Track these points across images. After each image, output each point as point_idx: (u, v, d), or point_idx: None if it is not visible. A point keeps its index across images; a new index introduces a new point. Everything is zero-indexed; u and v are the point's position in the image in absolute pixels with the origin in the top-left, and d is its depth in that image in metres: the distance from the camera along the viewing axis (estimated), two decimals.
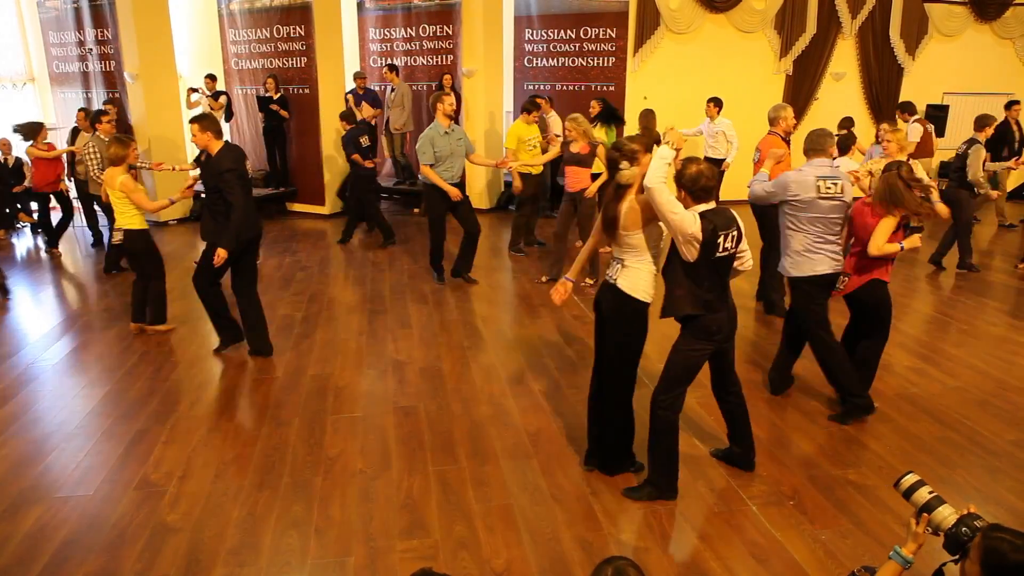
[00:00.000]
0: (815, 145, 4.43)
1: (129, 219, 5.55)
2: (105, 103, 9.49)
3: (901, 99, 11.88)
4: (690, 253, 3.28)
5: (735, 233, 3.37)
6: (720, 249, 3.31)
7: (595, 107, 8.42)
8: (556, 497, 3.60)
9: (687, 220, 3.23)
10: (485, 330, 5.97)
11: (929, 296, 7.03)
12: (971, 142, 7.56)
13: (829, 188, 4.22)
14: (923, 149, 9.74)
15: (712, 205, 3.36)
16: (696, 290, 3.36)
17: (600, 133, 8.26)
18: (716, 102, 9.36)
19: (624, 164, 3.42)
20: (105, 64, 9.99)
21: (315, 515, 3.44)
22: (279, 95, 10.10)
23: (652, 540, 3.28)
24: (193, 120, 5.08)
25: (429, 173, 6.68)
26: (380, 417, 4.44)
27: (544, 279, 7.20)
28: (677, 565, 3.12)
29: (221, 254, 4.92)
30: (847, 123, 9.25)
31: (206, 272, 5.13)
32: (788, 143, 5.99)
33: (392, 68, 10.47)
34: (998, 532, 1.96)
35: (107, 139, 7.19)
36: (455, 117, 7.06)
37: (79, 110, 8.56)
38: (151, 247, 5.72)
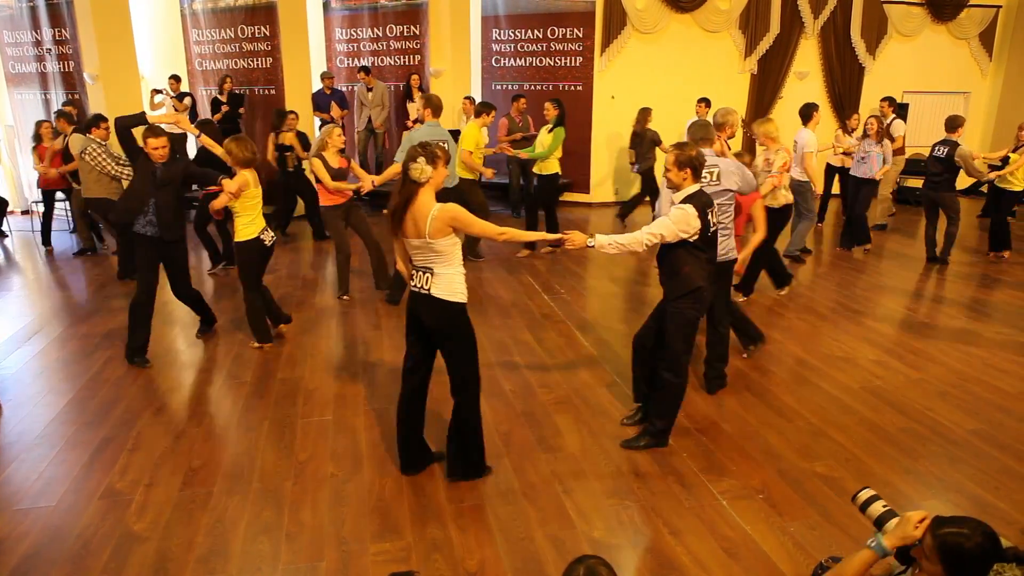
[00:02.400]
0: (699, 135, 4.66)
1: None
2: (65, 104, 9.29)
3: (863, 98, 12.15)
4: (663, 237, 3.72)
5: (713, 209, 3.83)
6: (712, 225, 3.80)
7: (551, 110, 8.32)
8: (528, 496, 3.60)
9: (691, 223, 3.68)
10: None
11: (892, 291, 7.18)
12: (951, 144, 7.64)
13: (704, 177, 4.38)
14: (899, 148, 9.87)
15: (699, 186, 3.81)
16: (698, 264, 3.78)
17: (548, 137, 8.15)
18: (705, 101, 9.52)
19: (421, 160, 3.32)
20: (64, 64, 9.77)
21: (286, 520, 3.41)
22: (229, 92, 9.95)
23: (624, 537, 3.30)
24: (200, 126, 5.66)
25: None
26: (351, 420, 4.41)
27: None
28: (649, 561, 3.15)
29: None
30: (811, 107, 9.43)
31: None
32: (729, 147, 6.10)
33: (365, 70, 10.41)
34: (945, 527, 1.97)
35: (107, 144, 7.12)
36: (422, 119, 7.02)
37: (59, 115, 8.24)
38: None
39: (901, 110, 11.57)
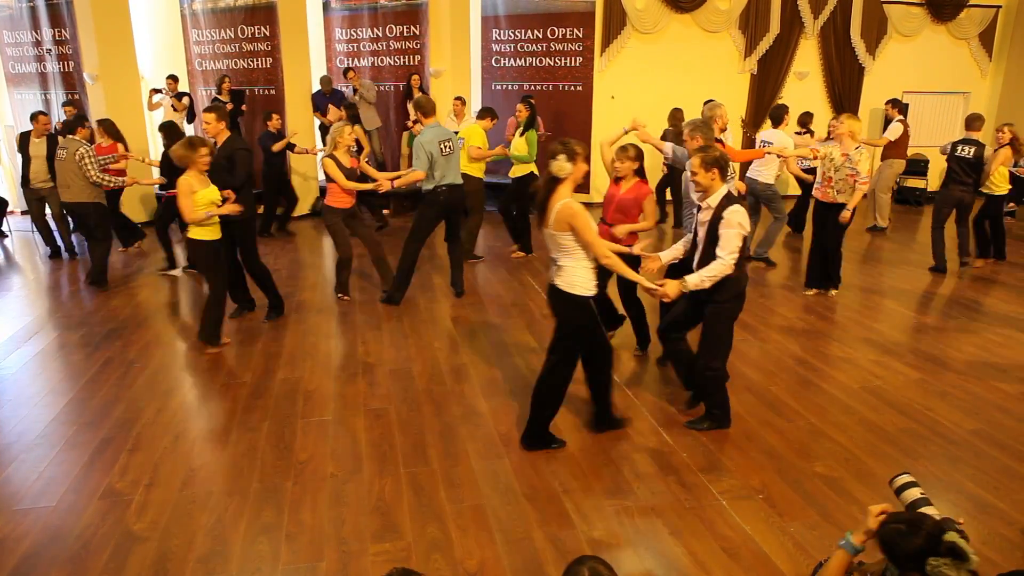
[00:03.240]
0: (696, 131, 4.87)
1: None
2: (64, 104, 9.28)
3: (862, 98, 12.16)
4: (739, 248, 3.83)
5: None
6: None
7: (522, 111, 8.27)
8: (528, 496, 3.60)
9: (746, 224, 3.82)
10: (455, 331, 5.96)
11: (891, 290, 7.18)
12: (977, 144, 7.34)
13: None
14: (898, 149, 9.65)
15: (727, 186, 3.89)
16: (742, 267, 3.91)
17: (521, 143, 7.97)
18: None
19: (561, 157, 3.56)
20: (64, 64, 9.77)
21: (286, 520, 3.41)
22: (229, 90, 9.94)
23: (624, 537, 3.30)
24: (208, 109, 5.64)
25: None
26: (350, 420, 4.41)
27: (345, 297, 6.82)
28: (649, 561, 3.15)
29: (235, 207, 5.38)
30: (806, 118, 9.38)
31: (254, 251, 5.92)
32: (722, 142, 6.10)
33: (349, 70, 10.40)
34: (891, 522, 2.00)
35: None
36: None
37: (40, 113, 8.22)
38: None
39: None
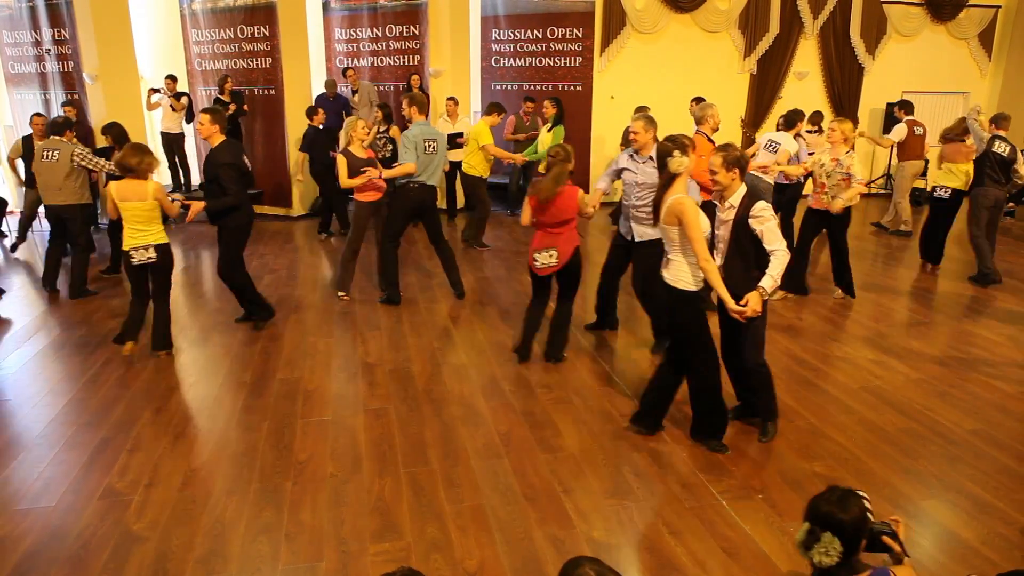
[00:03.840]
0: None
1: (159, 233, 5.16)
2: (64, 105, 9.27)
3: (862, 98, 12.16)
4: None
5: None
6: None
7: (549, 108, 8.40)
8: (528, 496, 3.60)
9: (775, 217, 3.84)
10: (455, 330, 5.96)
11: (890, 291, 7.18)
12: (1008, 141, 7.14)
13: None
14: (910, 151, 9.36)
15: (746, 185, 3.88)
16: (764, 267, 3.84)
17: (548, 136, 8.25)
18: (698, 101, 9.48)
19: (676, 153, 3.69)
20: (63, 64, 9.77)
21: (285, 520, 3.41)
22: (230, 91, 9.95)
23: (624, 537, 3.30)
24: (204, 111, 5.47)
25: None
26: (350, 420, 4.41)
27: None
28: (648, 561, 3.15)
29: (196, 206, 5.33)
30: (817, 117, 9.37)
31: (235, 262, 5.66)
32: (713, 142, 6.07)
33: (351, 69, 10.41)
34: (823, 493, 2.18)
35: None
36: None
37: (35, 115, 8.16)
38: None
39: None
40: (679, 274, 3.76)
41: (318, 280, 7.44)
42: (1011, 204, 10.72)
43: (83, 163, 6.76)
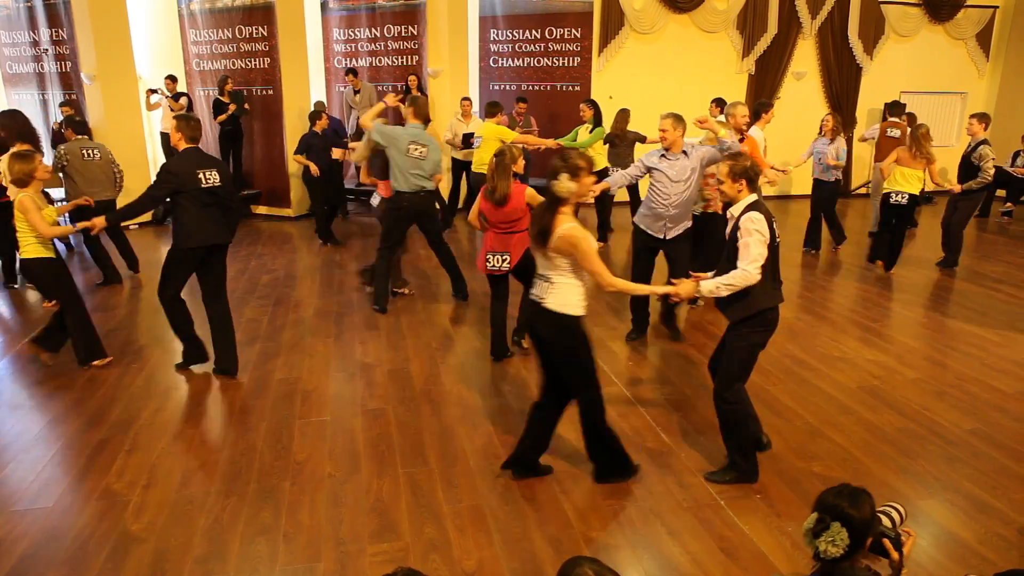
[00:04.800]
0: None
1: (28, 247, 4.91)
2: (62, 105, 9.27)
3: (860, 98, 12.17)
4: (763, 256, 3.42)
5: (774, 218, 3.54)
6: (776, 236, 3.51)
7: (586, 111, 8.55)
8: (526, 497, 3.60)
9: (766, 232, 3.42)
10: (453, 331, 5.96)
11: (889, 292, 7.19)
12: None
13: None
14: (882, 153, 9.24)
15: (756, 196, 3.54)
16: (765, 284, 3.47)
17: (586, 134, 8.43)
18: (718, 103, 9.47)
19: (564, 176, 3.23)
20: (61, 65, 9.77)
21: (283, 521, 3.40)
22: (230, 91, 9.94)
23: (622, 537, 3.30)
24: (175, 117, 5.08)
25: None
26: (348, 420, 4.41)
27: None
28: (647, 561, 3.15)
29: (97, 222, 4.88)
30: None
31: (164, 279, 5.00)
32: (743, 139, 6.10)
33: (352, 72, 10.40)
34: (835, 487, 2.13)
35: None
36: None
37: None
38: (58, 275, 5.06)
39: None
40: (568, 298, 3.35)
41: (316, 280, 7.43)
42: (1009, 204, 10.74)
43: (115, 165, 7.06)
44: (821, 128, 8.35)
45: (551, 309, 3.36)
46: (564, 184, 3.23)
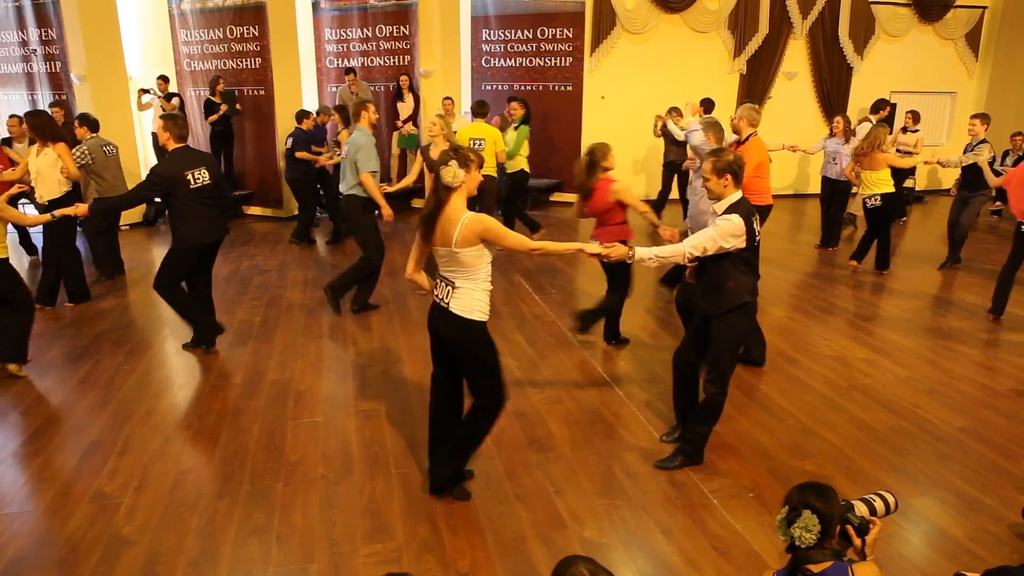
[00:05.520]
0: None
1: None
2: (51, 106, 9.21)
3: (851, 97, 12.22)
4: (707, 252, 3.51)
5: (757, 216, 3.62)
6: (757, 234, 3.59)
7: (517, 109, 8.46)
8: (520, 496, 3.60)
9: (736, 234, 3.47)
10: None
11: (880, 291, 7.22)
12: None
13: None
14: None
15: (740, 192, 3.57)
16: (744, 277, 3.58)
17: (512, 134, 8.33)
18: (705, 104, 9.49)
19: (453, 164, 3.17)
20: (50, 65, 9.70)
21: (276, 522, 3.39)
22: (221, 91, 9.89)
23: (615, 536, 3.31)
24: (162, 117, 5.24)
25: (371, 185, 5.99)
26: (341, 421, 4.40)
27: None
28: (640, 561, 3.16)
29: (80, 208, 5.12)
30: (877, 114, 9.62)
31: (162, 275, 5.23)
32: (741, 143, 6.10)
33: (351, 71, 10.37)
34: (803, 483, 2.25)
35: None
36: (414, 119, 7.05)
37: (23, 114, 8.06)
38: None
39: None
40: (472, 304, 3.29)
41: (308, 281, 7.41)
42: (999, 203, 10.81)
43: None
44: (832, 130, 8.50)
45: (456, 314, 3.28)
46: (451, 171, 3.17)
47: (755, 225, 3.56)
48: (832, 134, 8.54)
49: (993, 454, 4.02)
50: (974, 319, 6.30)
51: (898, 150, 9.64)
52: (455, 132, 8.93)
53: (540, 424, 4.35)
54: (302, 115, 8.75)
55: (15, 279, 4.97)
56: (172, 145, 5.08)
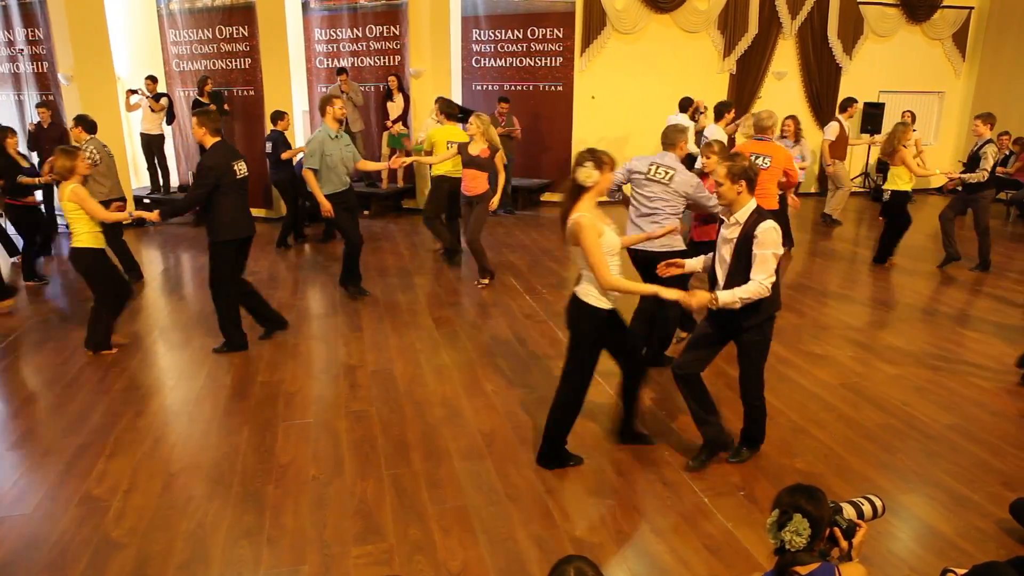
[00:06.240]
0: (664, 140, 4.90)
1: (77, 236, 5.17)
2: (38, 106, 9.15)
3: (840, 97, 12.27)
4: (779, 252, 3.46)
5: None
6: None
7: (504, 107, 8.42)
8: (511, 496, 3.60)
9: (779, 239, 3.42)
10: (437, 332, 5.95)
11: (868, 290, 7.26)
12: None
13: (659, 174, 4.74)
14: (839, 149, 9.95)
15: (754, 199, 3.52)
16: (776, 287, 3.51)
17: (435, 129, 7.84)
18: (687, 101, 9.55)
19: (589, 164, 3.40)
20: (37, 65, 9.63)
21: (267, 524, 3.38)
22: (209, 92, 9.83)
23: (607, 535, 3.31)
24: (194, 113, 5.31)
25: (311, 179, 6.18)
26: (332, 422, 4.39)
27: (485, 281, 7.13)
28: (632, 560, 3.16)
29: (154, 214, 5.29)
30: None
31: (217, 282, 5.35)
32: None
33: (343, 71, 10.31)
34: (791, 486, 2.26)
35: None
36: (404, 119, 7.01)
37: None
38: (100, 267, 5.31)
39: (876, 109, 11.71)
40: (591, 289, 3.52)
41: (298, 282, 7.39)
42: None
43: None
44: (783, 131, 8.56)
45: (576, 294, 3.57)
46: (586, 171, 3.41)
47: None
48: (783, 135, 8.50)
49: (981, 451, 4.05)
50: (961, 317, 6.34)
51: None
52: (423, 137, 8.56)
53: (531, 424, 4.35)
54: (277, 116, 8.63)
55: (114, 270, 5.42)
56: (209, 140, 5.19)
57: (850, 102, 10.10)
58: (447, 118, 7.67)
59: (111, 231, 7.21)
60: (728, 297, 3.42)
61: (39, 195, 7.98)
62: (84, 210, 5.09)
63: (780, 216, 5.37)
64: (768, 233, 3.38)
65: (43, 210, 8.16)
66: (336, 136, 6.28)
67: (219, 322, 5.45)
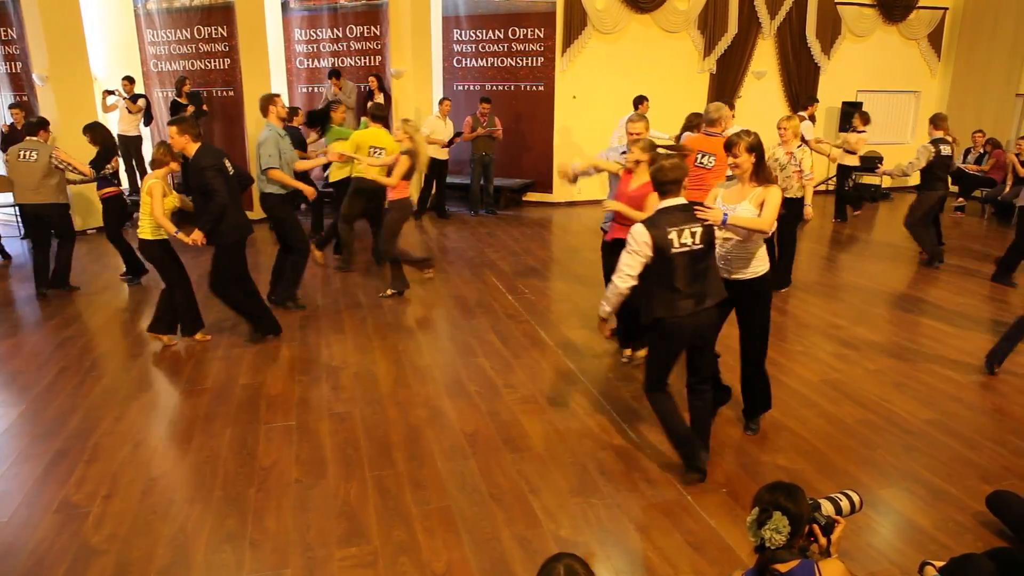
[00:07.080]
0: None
1: (142, 230, 5.34)
2: (12, 107, 9.01)
3: (820, 96, 12.40)
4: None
5: (694, 229, 3.51)
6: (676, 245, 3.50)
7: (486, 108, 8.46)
8: (495, 496, 3.60)
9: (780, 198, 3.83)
10: (419, 333, 5.94)
11: (846, 286, 7.34)
12: (951, 144, 7.72)
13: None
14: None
15: (679, 200, 3.56)
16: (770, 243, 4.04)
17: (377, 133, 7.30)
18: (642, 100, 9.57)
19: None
20: (11, 65, 9.48)
21: (250, 528, 3.36)
22: (187, 92, 9.73)
23: (591, 534, 3.32)
24: (171, 123, 5.24)
25: (282, 177, 6.08)
26: (314, 424, 4.36)
27: (388, 293, 6.81)
28: (616, 558, 3.18)
29: (196, 236, 5.16)
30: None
31: (223, 284, 5.43)
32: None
33: (335, 74, 10.19)
34: (770, 483, 2.30)
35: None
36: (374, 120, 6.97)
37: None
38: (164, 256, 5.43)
39: (853, 108, 11.79)
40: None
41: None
42: (961, 200, 11.04)
43: (60, 165, 6.80)
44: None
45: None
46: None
47: (674, 238, 3.62)
48: (781, 141, 8.48)
49: (959, 445, 4.11)
50: (938, 313, 6.42)
51: (846, 151, 9.85)
52: (345, 138, 7.69)
53: (514, 424, 4.36)
54: (292, 112, 8.61)
55: (177, 260, 5.50)
56: (192, 146, 5.16)
57: (811, 101, 10.28)
58: (373, 120, 7.19)
59: (112, 229, 7.19)
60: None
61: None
62: (148, 204, 5.21)
63: (770, 242, 5.48)
64: (777, 192, 3.82)
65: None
66: (283, 135, 6.22)
67: (243, 318, 5.75)
